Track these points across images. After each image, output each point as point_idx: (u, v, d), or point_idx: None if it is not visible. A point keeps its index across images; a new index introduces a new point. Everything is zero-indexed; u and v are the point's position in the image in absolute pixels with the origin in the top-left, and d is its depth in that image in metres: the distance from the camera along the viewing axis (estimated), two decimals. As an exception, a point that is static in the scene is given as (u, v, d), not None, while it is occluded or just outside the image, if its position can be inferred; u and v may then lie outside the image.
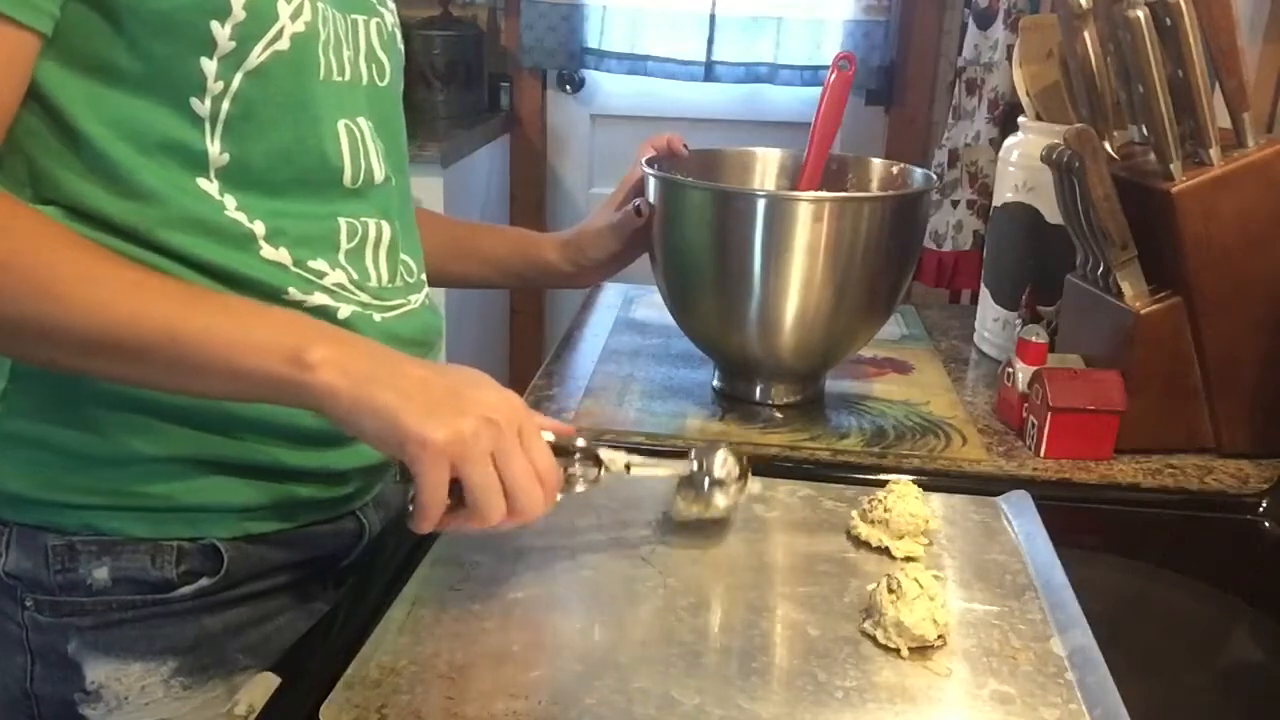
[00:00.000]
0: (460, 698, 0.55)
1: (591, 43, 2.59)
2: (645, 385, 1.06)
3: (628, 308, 1.32)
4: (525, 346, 2.83)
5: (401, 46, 0.80)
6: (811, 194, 0.94)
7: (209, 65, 0.62)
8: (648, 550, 0.70)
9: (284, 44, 0.65)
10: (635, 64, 2.58)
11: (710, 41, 2.53)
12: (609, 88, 2.69)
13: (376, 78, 0.75)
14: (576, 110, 2.73)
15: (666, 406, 1.01)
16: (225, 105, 0.64)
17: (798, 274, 0.91)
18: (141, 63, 0.61)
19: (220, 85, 0.63)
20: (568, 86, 2.69)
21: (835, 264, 0.90)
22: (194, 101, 0.63)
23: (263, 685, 0.55)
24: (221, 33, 0.62)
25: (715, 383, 1.06)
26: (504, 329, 2.82)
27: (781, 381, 1.01)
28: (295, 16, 0.65)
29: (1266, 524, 0.82)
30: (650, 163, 0.97)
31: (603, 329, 1.23)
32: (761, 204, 0.90)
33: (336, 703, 0.54)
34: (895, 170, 1.06)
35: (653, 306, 1.33)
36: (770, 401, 1.01)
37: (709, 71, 2.55)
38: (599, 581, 0.67)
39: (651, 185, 0.96)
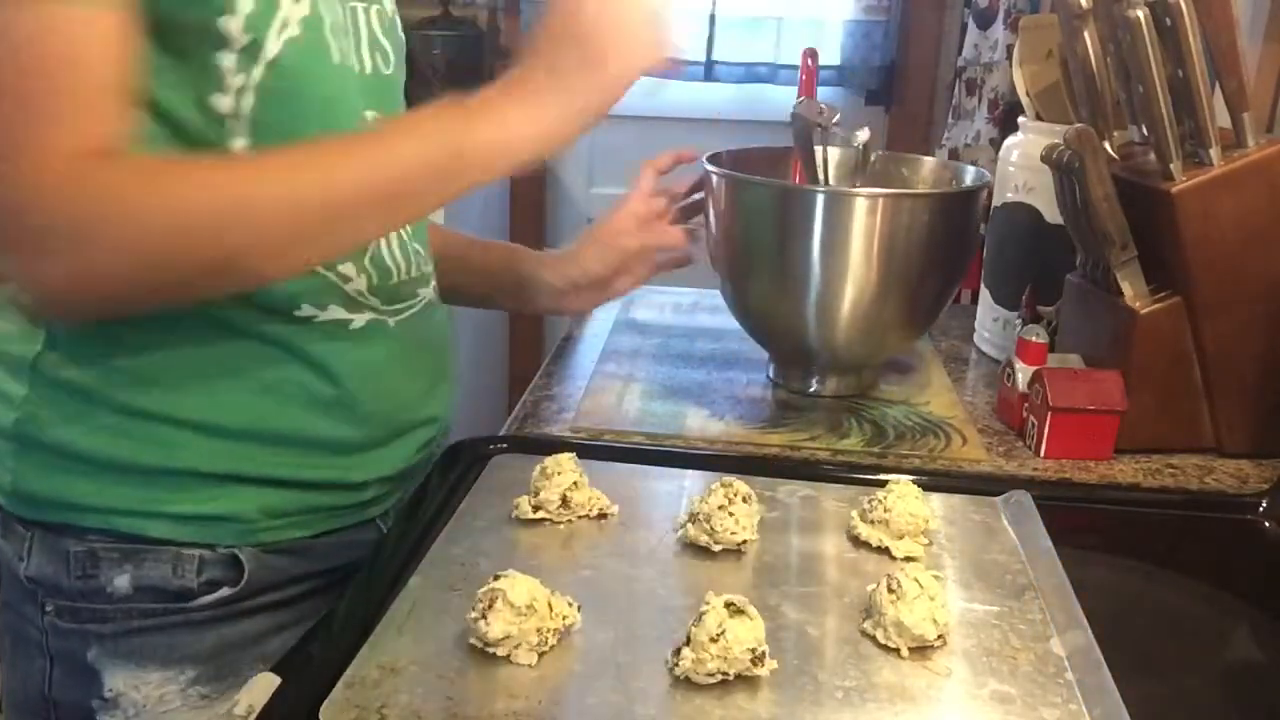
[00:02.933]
0: (460, 698, 0.55)
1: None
2: (645, 385, 1.06)
3: (627, 308, 1.32)
4: (524, 346, 2.83)
5: (401, 34, 0.79)
6: (868, 190, 0.98)
7: (227, 60, 0.62)
8: (648, 550, 0.70)
9: (294, 30, 0.64)
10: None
11: (710, 41, 2.53)
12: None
13: (381, 65, 0.75)
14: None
15: (666, 407, 1.01)
16: (249, 99, 0.63)
17: (853, 267, 0.94)
18: (156, 65, 0.60)
19: (242, 79, 0.62)
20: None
21: (889, 258, 0.95)
22: (215, 98, 0.62)
23: (263, 685, 0.55)
24: (233, 25, 0.61)
25: (770, 374, 1.09)
26: (503, 328, 2.82)
27: (835, 374, 1.04)
28: (297, 0, 0.64)
29: (1266, 524, 0.82)
30: (713, 159, 1.01)
31: (602, 329, 1.24)
32: (820, 200, 0.94)
33: (336, 703, 0.53)
34: (946, 169, 1.11)
35: (652, 306, 1.33)
36: (825, 394, 1.05)
37: (709, 71, 2.55)
38: (599, 581, 0.67)
39: (714, 182, 1.00)
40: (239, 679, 0.70)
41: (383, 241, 0.74)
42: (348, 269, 0.70)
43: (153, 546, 0.68)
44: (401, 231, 0.76)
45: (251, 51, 0.62)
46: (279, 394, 0.69)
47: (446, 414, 0.85)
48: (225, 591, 0.70)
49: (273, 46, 0.63)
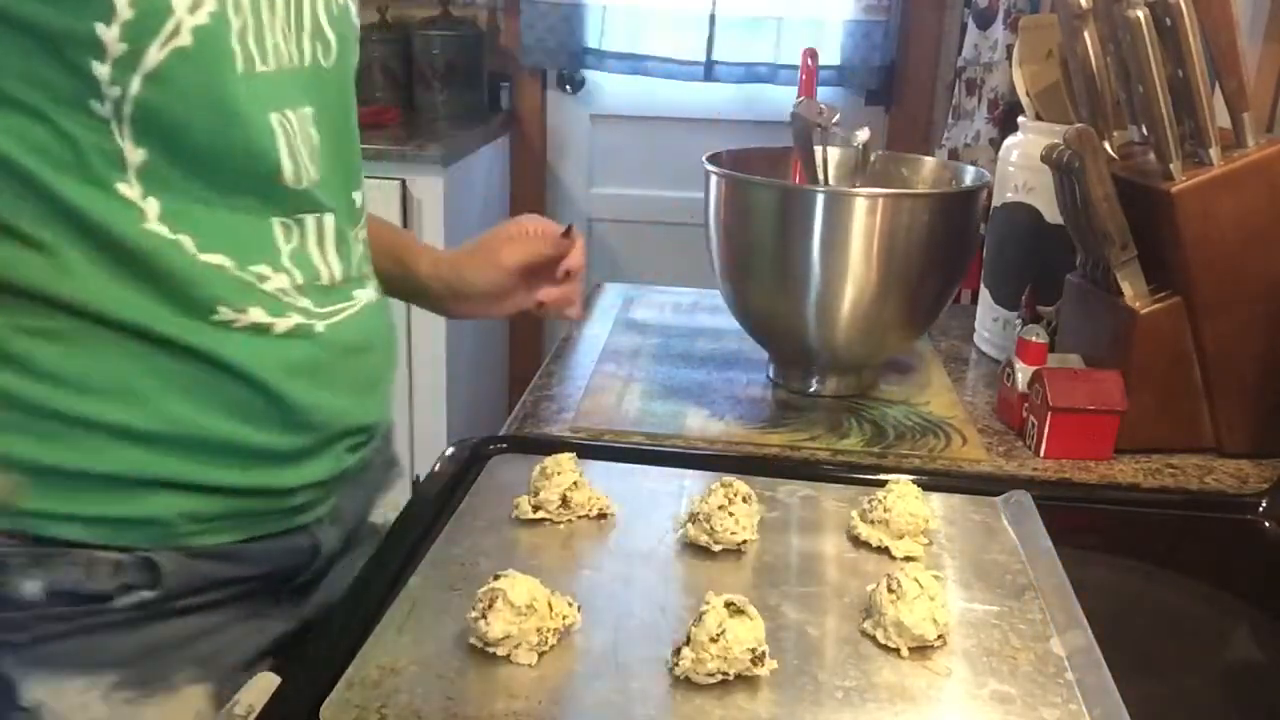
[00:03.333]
0: (460, 698, 0.55)
1: (592, 43, 2.59)
2: (645, 385, 1.06)
3: (627, 308, 1.32)
4: (524, 345, 2.83)
5: (356, 21, 0.75)
6: (868, 190, 0.98)
7: (101, 70, 0.58)
8: (648, 550, 0.70)
9: (185, 39, 0.60)
10: (635, 64, 2.58)
11: (710, 41, 2.53)
12: (609, 88, 2.69)
13: (321, 57, 0.70)
14: (576, 110, 2.73)
15: (666, 407, 1.01)
16: (128, 108, 0.60)
17: (853, 267, 0.95)
18: (23, 72, 0.58)
19: (117, 90, 0.59)
20: (568, 86, 2.69)
21: (889, 258, 0.95)
22: (94, 104, 0.59)
23: (262, 685, 0.55)
24: (109, 34, 0.57)
25: (769, 374, 1.09)
26: (503, 327, 2.82)
27: (835, 374, 1.05)
28: (195, 8, 0.60)
29: (1266, 524, 0.82)
30: (713, 159, 1.02)
31: (602, 329, 1.24)
32: (820, 199, 0.94)
33: (336, 703, 0.53)
34: (946, 169, 1.12)
35: (652, 306, 1.33)
36: (824, 394, 1.05)
37: (709, 71, 2.55)
38: (599, 581, 0.67)
39: (714, 182, 1.01)
40: (168, 682, 0.67)
41: (309, 238, 0.71)
42: (262, 268, 0.67)
43: (65, 550, 0.65)
44: (336, 229, 0.73)
45: (127, 62, 0.58)
46: (199, 399, 0.66)
47: (384, 418, 0.81)
48: (144, 594, 0.66)
49: (153, 57, 0.59)
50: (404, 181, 2.16)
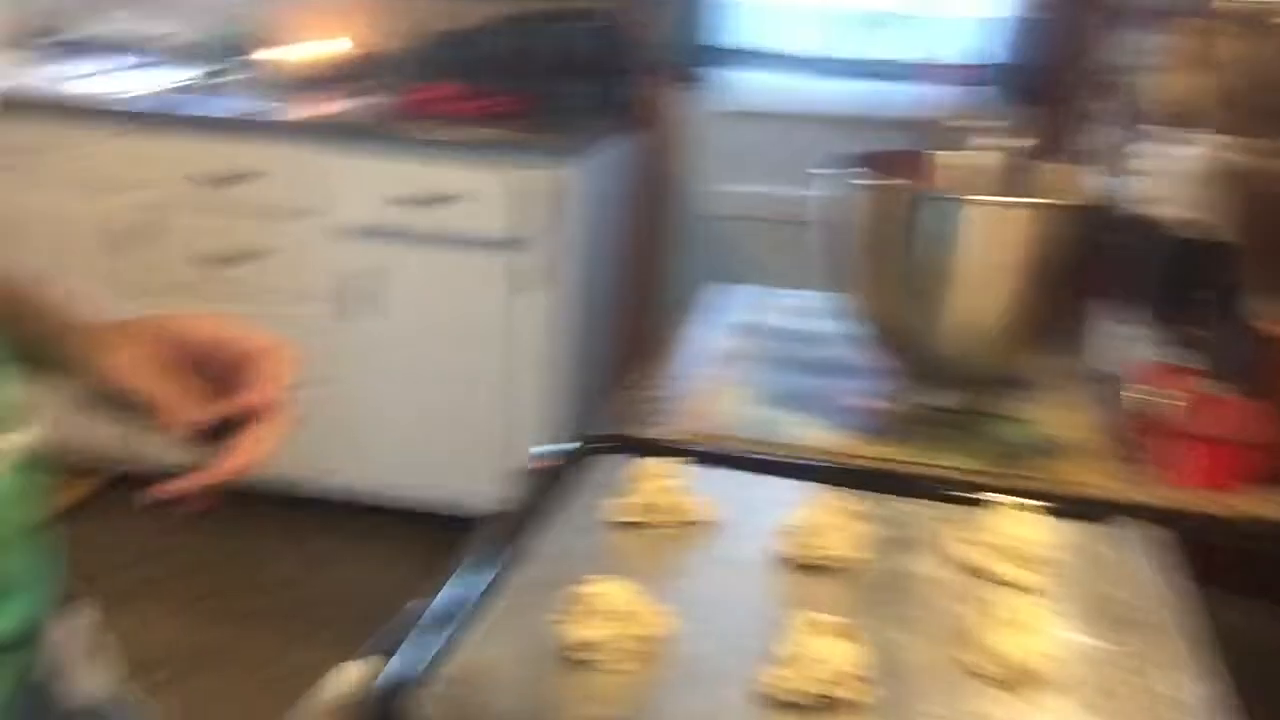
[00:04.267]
0: (548, 702, 0.54)
1: (722, 38, 2.59)
2: (756, 390, 1.04)
3: (738, 310, 1.30)
4: (629, 343, 2.82)
5: None
6: (1006, 199, 0.94)
7: None
8: (746, 561, 0.69)
9: None
10: (766, 60, 2.57)
11: (846, 38, 2.50)
12: (739, 84, 2.67)
13: None
14: (706, 106, 2.72)
15: (773, 413, 0.99)
16: None
17: (987, 278, 0.91)
18: None
19: None
20: (698, 82, 2.69)
21: (1024, 269, 0.91)
22: None
23: (349, 675, 0.56)
24: None
25: (890, 385, 1.05)
26: (606, 324, 2.82)
27: (958, 388, 1.01)
28: None
29: None
30: (845, 160, 0.98)
31: (710, 330, 1.22)
32: (955, 207, 0.91)
33: (427, 698, 0.54)
34: (1089, 177, 1.08)
35: (764, 309, 1.30)
36: (946, 408, 1.01)
37: (843, 68, 2.51)
38: (693, 590, 0.65)
39: (845, 185, 0.97)
40: None
41: None
42: None
43: None
44: None
45: None
46: None
47: (29, 621, 0.58)
48: None
49: None
50: (531, 174, 2.19)
